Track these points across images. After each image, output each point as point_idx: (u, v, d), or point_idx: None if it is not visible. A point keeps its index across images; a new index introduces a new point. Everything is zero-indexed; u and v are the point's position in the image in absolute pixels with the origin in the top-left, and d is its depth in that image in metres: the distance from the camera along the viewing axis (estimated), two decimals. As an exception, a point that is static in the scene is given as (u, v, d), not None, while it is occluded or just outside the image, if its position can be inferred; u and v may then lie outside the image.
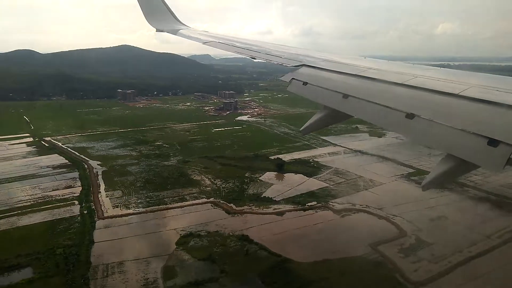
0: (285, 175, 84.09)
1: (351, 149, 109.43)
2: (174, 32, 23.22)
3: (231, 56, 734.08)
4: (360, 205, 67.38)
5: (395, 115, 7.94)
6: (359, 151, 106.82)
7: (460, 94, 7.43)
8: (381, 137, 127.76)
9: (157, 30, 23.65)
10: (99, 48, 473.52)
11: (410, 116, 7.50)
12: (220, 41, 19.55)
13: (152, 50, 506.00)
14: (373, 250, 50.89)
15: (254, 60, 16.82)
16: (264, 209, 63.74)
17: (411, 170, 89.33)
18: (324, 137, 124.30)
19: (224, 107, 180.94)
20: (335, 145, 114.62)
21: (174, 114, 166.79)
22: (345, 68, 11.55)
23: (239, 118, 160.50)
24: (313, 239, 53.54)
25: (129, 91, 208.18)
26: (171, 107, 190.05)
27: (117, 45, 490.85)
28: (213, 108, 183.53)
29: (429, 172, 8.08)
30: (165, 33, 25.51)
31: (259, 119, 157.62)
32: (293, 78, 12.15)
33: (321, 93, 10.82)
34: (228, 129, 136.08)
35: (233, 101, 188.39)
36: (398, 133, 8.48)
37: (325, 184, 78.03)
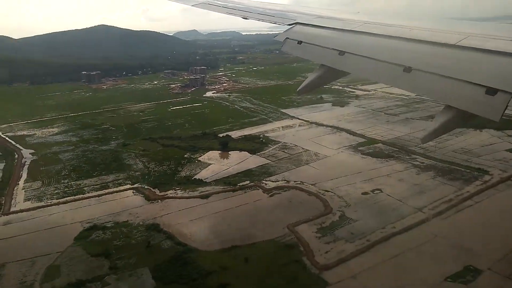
0: (229, 153, 79.93)
1: (308, 121, 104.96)
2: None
3: (219, 31, 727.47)
4: (295, 181, 63.59)
5: (392, 69, 7.71)
6: (315, 123, 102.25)
7: (457, 44, 7.18)
8: (343, 106, 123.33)
9: None
10: (74, 30, 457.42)
11: (408, 69, 7.28)
12: (210, 3, 18.41)
13: (132, 29, 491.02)
14: (290, 232, 47.17)
15: (246, 20, 15.42)
16: (189, 192, 59.77)
17: (362, 140, 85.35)
18: (284, 110, 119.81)
19: (189, 84, 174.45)
20: (292, 117, 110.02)
21: (136, 94, 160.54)
22: (339, 24, 11.04)
23: (206, 94, 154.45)
24: (228, 223, 49.71)
25: (93, 73, 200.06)
26: (136, 86, 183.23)
27: (93, 25, 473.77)
28: (179, 85, 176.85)
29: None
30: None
31: (224, 95, 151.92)
32: (287, 38, 11.53)
33: (316, 51, 10.40)
34: (187, 107, 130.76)
35: (199, 77, 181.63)
36: (397, 87, 7.94)
37: (266, 161, 73.96)
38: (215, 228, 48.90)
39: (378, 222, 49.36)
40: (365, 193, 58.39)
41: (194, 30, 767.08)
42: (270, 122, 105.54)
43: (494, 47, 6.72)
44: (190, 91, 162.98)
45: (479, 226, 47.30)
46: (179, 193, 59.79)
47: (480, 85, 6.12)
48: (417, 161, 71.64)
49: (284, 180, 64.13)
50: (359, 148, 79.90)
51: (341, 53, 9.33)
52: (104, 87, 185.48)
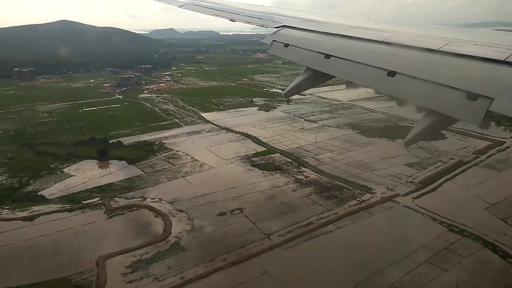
0: (107, 162, 71.16)
1: (220, 126, 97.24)
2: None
3: (196, 30, 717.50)
4: (153, 199, 55.59)
5: (376, 73, 7.69)
6: (226, 129, 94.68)
7: (440, 49, 7.29)
8: (268, 111, 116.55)
9: None
10: (34, 24, 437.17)
11: (392, 73, 7.33)
12: (197, 4, 17.88)
13: (96, 25, 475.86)
14: (96, 267, 38.93)
15: (234, 22, 14.70)
16: (17, 212, 50.73)
17: (262, 149, 78.31)
18: (204, 113, 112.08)
19: (122, 83, 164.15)
20: (207, 122, 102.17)
21: (60, 93, 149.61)
22: (326, 27, 10.94)
23: (140, 94, 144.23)
24: (29, 255, 41.04)
25: (25, 70, 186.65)
26: (68, 85, 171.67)
27: (55, 20, 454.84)
28: (112, 84, 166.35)
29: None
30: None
31: (153, 96, 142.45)
32: (274, 40, 11.49)
33: (302, 54, 10.39)
34: (101, 108, 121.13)
35: (133, 76, 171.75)
36: (381, 92, 8.00)
37: (140, 173, 65.77)
38: (7, 262, 40.13)
39: (211, 252, 41.82)
40: (222, 214, 51.01)
41: (172, 29, 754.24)
42: (180, 127, 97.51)
43: (476, 53, 6.76)
44: (119, 90, 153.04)
45: (320, 262, 40.47)
46: (5, 213, 50.58)
47: (461, 90, 6.16)
48: (302, 175, 64.93)
49: (142, 197, 56.01)
50: (252, 159, 72.69)
51: (327, 56, 9.25)
52: (35, 85, 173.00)
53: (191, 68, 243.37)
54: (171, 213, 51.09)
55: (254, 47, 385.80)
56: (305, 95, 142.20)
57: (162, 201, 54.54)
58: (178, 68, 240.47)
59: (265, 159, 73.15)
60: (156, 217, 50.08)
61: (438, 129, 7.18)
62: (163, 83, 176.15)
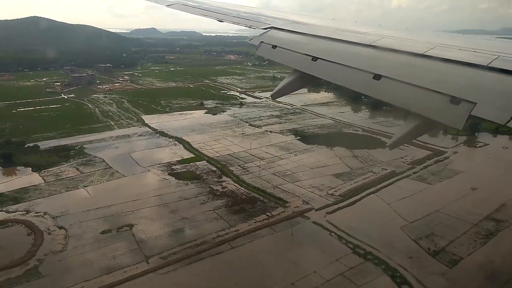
0: (12, 168, 64.60)
1: (156, 129, 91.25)
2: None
3: (179, 30, 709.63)
4: (37, 212, 49.36)
5: (362, 76, 7.76)
6: (161, 133, 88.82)
7: (424, 53, 7.34)
8: (216, 114, 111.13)
9: None
10: (4, 20, 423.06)
11: (377, 77, 7.40)
12: (185, 4, 17.59)
13: (68, 23, 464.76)
14: None
15: (221, 22, 14.75)
16: None
17: (189, 156, 73.00)
18: (145, 115, 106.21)
19: (72, 82, 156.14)
20: (145, 125, 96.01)
21: (4, 91, 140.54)
22: (313, 30, 11.04)
23: (94, 95, 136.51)
24: None
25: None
26: (16, 83, 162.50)
27: (25, 17, 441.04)
28: (62, 83, 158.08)
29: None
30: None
31: (101, 96, 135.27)
32: (262, 42, 11.40)
33: (290, 56, 10.29)
34: (38, 109, 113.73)
35: (85, 75, 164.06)
36: (367, 94, 7.38)
37: (39, 182, 59.41)
38: None
39: (69, 280, 35.92)
40: (106, 231, 45.35)
41: (153, 28, 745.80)
42: (112, 130, 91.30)
43: (460, 58, 6.78)
44: (67, 90, 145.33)
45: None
46: None
47: (445, 94, 6.19)
48: (220, 185, 59.73)
49: (25, 211, 49.67)
50: (173, 167, 67.16)
51: (314, 58, 9.30)
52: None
53: (156, 68, 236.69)
54: (49, 230, 45.05)
55: (229, 48, 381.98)
56: (261, 98, 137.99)
57: (46, 216, 48.46)
58: (142, 68, 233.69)
59: (187, 167, 67.74)
60: (29, 235, 43.97)
61: (421, 132, 7.08)
62: (119, 83, 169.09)
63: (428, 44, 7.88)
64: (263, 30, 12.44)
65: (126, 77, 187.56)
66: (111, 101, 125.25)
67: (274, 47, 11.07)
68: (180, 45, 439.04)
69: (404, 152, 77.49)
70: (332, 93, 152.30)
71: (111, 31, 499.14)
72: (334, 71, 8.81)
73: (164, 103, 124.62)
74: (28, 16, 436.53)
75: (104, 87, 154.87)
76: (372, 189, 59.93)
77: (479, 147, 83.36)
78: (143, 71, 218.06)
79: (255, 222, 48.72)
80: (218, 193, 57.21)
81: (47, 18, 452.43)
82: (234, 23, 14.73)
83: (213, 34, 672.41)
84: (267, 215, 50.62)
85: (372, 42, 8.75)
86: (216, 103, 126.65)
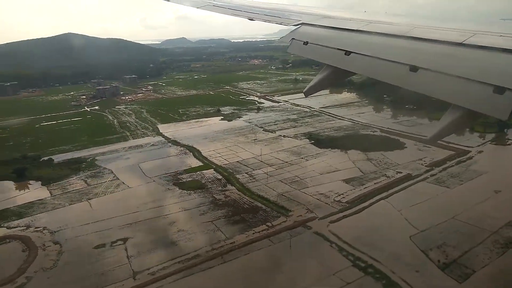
0: (25, 183, 66.52)
1: (169, 139, 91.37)
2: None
3: (207, 38, 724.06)
4: (37, 227, 49.90)
5: (398, 69, 7.46)
6: (174, 141, 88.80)
7: (464, 42, 6.97)
8: (231, 120, 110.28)
9: None
10: (39, 38, 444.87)
11: (414, 68, 7.13)
12: (215, 4, 17.47)
13: (100, 37, 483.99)
14: None
15: (252, 21, 14.69)
16: None
17: (198, 164, 72.59)
18: (161, 125, 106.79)
19: (97, 94, 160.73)
20: (160, 134, 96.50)
21: (33, 106, 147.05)
22: (345, 24, 10.62)
23: (117, 106, 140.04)
24: None
25: (7, 84, 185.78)
26: (45, 98, 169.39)
27: (59, 34, 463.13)
28: (88, 96, 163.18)
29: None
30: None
31: (122, 107, 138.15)
32: (293, 39, 11.18)
33: (322, 51, 10.03)
34: (61, 122, 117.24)
35: (109, 87, 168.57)
36: (404, 87, 6.97)
37: (47, 195, 60.51)
38: None
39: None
40: (100, 246, 44.89)
41: (183, 38, 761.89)
42: (126, 140, 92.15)
43: (501, 45, 6.41)
44: (90, 102, 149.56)
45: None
46: None
47: (487, 83, 5.87)
48: (224, 194, 58.24)
49: (26, 226, 50.33)
50: (180, 176, 66.50)
51: (347, 53, 8.99)
52: (18, 98, 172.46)
53: (181, 77, 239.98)
54: (44, 245, 45.11)
55: (255, 53, 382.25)
56: (279, 102, 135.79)
57: (45, 231, 48.73)
58: (167, 78, 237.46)
59: (194, 175, 66.72)
60: (23, 251, 44.23)
61: (464, 124, 6.78)
62: (142, 93, 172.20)
63: (467, 32, 7.46)
64: (294, 26, 12.27)
65: (150, 87, 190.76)
66: (130, 112, 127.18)
67: (306, 43, 10.82)
68: (207, 52, 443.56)
69: (424, 153, 72.76)
70: (355, 93, 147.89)
71: (141, 43, 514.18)
72: (368, 64, 8.51)
73: (182, 111, 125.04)
74: (63, 33, 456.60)
75: (127, 98, 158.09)
76: (384, 194, 56.21)
77: (508, 144, 76.73)
78: (167, 80, 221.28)
79: (253, 233, 46.53)
80: (220, 202, 55.53)
81: (81, 34, 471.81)
82: (265, 21, 14.44)
83: (241, 40, 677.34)
84: (267, 225, 48.31)
85: (406, 32, 8.35)
86: (233, 109, 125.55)
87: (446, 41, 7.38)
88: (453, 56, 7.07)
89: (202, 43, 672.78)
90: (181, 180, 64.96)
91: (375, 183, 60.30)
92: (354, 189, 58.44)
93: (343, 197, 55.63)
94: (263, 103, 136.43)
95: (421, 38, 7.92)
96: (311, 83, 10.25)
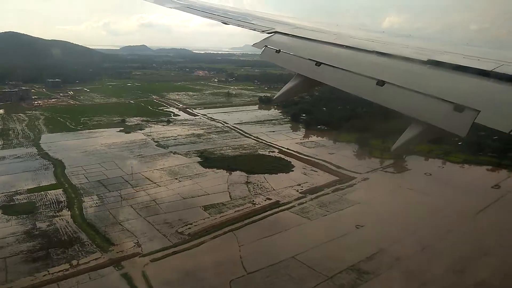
0: None
1: (44, 150, 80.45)
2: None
3: (169, 48, 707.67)
4: None
5: (366, 82, 7.79)
6: (46, 154, 77.97)
7: (428, 60, 7.38)
8: (129, 133, 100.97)
9: None
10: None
11: (381, 83, 7.44)
12: (189, 6, 17.11)
13: (43, 38, 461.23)
14: None
15: (226, 25, 14.72)
16: None
17: (50, 182, 62.24)
18: (50, 134, 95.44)
19: (2, 97, 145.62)
20: (37, 145, 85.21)
21: None
22: (317, 35, 10.98)
23: (18, 112, 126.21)
24: None
25: None
26: None
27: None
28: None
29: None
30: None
31: (21, 113, 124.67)
32: (266, 46, 11.24)
33: (293, 60, 10.41)
34: None
35: (17, 90, 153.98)
36: (371, 100, 7.34)
37: None
38: None
39: None
40: None
41: (144, 45, 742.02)
42: (-8, 151, 79.54)
43: (463, 65, 6.91)
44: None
45: None
46: None
47: (449, 101, 6.26)
48: (49, 222, 49.07)
49: None
50: (16, 197, 57.33)
51: (318, 63, 9.27)
52: None
53: (113, 83, 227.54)
54: None
55: (208, 65, 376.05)
56: (196, 115, 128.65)
57: None
58: (99, 84, 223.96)
59: (33, 196, 57.19)
60: None
61: (425, 138, 7.09)
62: (56, 99, 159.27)
63: (432, 51, 8.14)
64: (268, 34, 12.01)
65: (71, 92, 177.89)
66: (26, 118, 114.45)
67: (278, 51, 10.77)
68: (159, 61, 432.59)
69: (307, 177, 67.72)
70: (280, 111, 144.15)
71: (94, 47, 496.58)
72: (337, 76, 8.68)
73: (83, 120, 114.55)
74: (5, 31, 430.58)
75: (37, 103, 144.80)
76: (238, 225, 49.57)
77: (398, 172, 73.40)
78: (96, 86, 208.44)
79: (43, 276, 37.60)
80: (36, 233, 46.43)
81: (25, 34, 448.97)
82: (238, 26, 14.10)
83: (202, 52, 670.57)
84: (70, 265, 39.63)
85: (376, 48, 8.72)
86: (141, 121, 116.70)
87: (412, 58, 7.69)
88: (417, 73, 7.43)
89: (161, 51, 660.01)
90: (14, 202, 55.00)
91: (235, 211, 53.76)
92: (209, 218, 51.50)
93: (189, 228, 48.45)
94: (179, 115, 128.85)
95: (389, 54, 8.25)
96: (282, 91, 10.02)
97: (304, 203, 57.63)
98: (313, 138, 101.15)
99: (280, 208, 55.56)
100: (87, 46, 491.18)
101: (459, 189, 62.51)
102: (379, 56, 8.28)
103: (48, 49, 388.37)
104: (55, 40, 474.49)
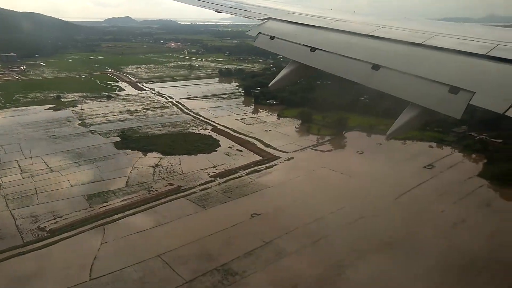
0: None
1: None
2: None
3: (155, 19, 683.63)
4: None
5: (361, 66, 7.76)
6: None
7: (423, 43, 7.47)
8: (59, 110, 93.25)
9: None
10: None
11: (376, 67, 7.45)
12: None
13: (15, 10, 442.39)
14: None
15: (219, 13, 14.92)
16: None
17: None
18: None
19: None
20: None
21: None
22: (312, 21, 10.90)
23: None
24: None
25: None
26: None
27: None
28: None
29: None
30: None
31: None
32: (259, 33, 11.19)
33: (288, 47, 10.26)
34: None
35: None
36: (366, 85, 7.21)
37: None
38: None
39: None
40: None
41: (128, 17, 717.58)
42: None
43: (459, 47, 6.86)
44: None
45: None
46: None
47: (443, 83, 6.27)
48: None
49: None
50: None
51: (312, 49, 9.23)
52: None
53: (75, 57, 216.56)
54: None
55: (186, 36, 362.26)
56: (144, 90, 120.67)
57: None
58: (59, 57, 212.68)
59: None
60: None
61: (420, 121, 6.90)
62: (3, 74, 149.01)
63: (427, 33, 7.89)
64: (261, 21, 12.00)
65: (23, 67, 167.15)
66: None
67: (272, 38, 10.70)
68: (136, 33, 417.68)
69: (228, 158, 61.87)
70: (238, 84, 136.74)
71: (76, 20, 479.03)
72: (332, 61, 8.56)
73: (17, 96, 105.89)
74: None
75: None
76: (116, 217, 43.14)
77: (329, 151, 67.17)
78: (55, 60, 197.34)
79: None
80: None
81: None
82: (231, 13, 14.33)
83: (188, 23, 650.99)
84: None
85: (370, 32, 8.65)
86: (80, 96, 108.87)
87: (407, 41, 7.59)
88: (412, 56, 7.30)
89: (146, 23, 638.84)
90: None
91: (122, 200, 47.21)
92: (86, 209, 44.89)
93: (56, 222, 42.01)
94: (125, 90, 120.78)
95: (384, 38, 8.10)
96: (276, 78, 9.88)
97: (208, 188, 51.43)
98: (260, 113, 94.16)
99: (179, 195, 49.42)
100: (67, 19, 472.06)
101: (388, 169, 56.79)
102: (374, 40, 8.25)
103: (18, 22, 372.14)
104: (27, 12, 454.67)
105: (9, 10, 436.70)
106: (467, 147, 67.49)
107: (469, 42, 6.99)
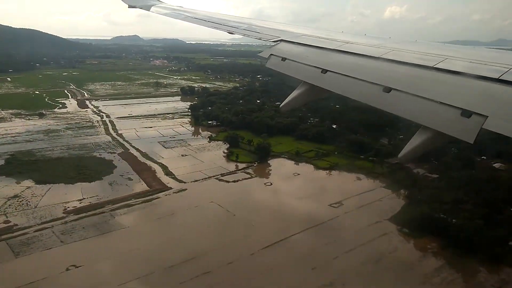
0: None
1: None
2: (147, 8, 19.99)
3: (161, 38, 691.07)
4: None
5: (372, 89, 7.50)
6: None
7: (435, 66, 7.18)
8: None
9: (129, 6, 20.68)
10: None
11: (387, 89, 7.17)
12: (195, 17, 17.31)
13: (13, 27, 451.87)
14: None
15: (232, 35, 14.44)
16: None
17: None
18: None
19: None
20: None
21: None
22: (323, 43, 10.69)
23: None
24: None
25: None
26: None
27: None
28: None
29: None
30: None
31: None
32: (271, 54, 11.00)
33: (299, 68, 10.00)
34: None
35: None
36: (377, 107, 6.88)
37: None
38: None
39: None
40: None
41: (136, 36, 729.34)
42: None
43: (471, 71, 6.66)
44: None
45: None
46: None
47: (456, 107, 6.03)
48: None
49: None
50: None
51: (323, 71, 9.06)
52: None
53: (50, 72, 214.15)
54: None
55: (181, 54, 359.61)
56: (88, 108, 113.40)
57: None
58: (34, 72, 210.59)
59: None
60: None
61: (432, 145, 6.58)
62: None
63: (438, 57, 7.62)
64: (273, 43, 11.80)
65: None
66: None
67: (284, 59, 10.54)
68: (132, 51, 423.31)
69: (108, 188, 53.79)
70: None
71: (81, 38, 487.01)
72: (343, 83, 8.40)
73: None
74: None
75: None
76: None
77: (234, 181, 57.81)
78: (26, 75, 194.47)
79: None
80: None
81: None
82: (244, 35, 14.30)
83: (194, 42, 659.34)
84: None
85: (381, 54, 8.47)
86: (12, 113, 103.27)
87: (418, 64, 7.49)
88: (424, 79, 7.21)
89: (151, 42, 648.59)
90: None
91: None
92: None
93: None
94: (67, 107, 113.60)
95: (395, 60, 8.02)
96: (287, 99, 9.60)
97: (47, 228, 42.14)
98: (193, 135, 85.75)
99: (6, 236, 39.88)
100: (74, 37, 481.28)
101: (284, 207, 47.18)
102: (385, 62, 8.16)
103: (13, 38, 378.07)
104: (22, 28, 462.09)
105: (6, 26, 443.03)
106: (397, 182, 57.74)
107: (481, 66, 6.88)
